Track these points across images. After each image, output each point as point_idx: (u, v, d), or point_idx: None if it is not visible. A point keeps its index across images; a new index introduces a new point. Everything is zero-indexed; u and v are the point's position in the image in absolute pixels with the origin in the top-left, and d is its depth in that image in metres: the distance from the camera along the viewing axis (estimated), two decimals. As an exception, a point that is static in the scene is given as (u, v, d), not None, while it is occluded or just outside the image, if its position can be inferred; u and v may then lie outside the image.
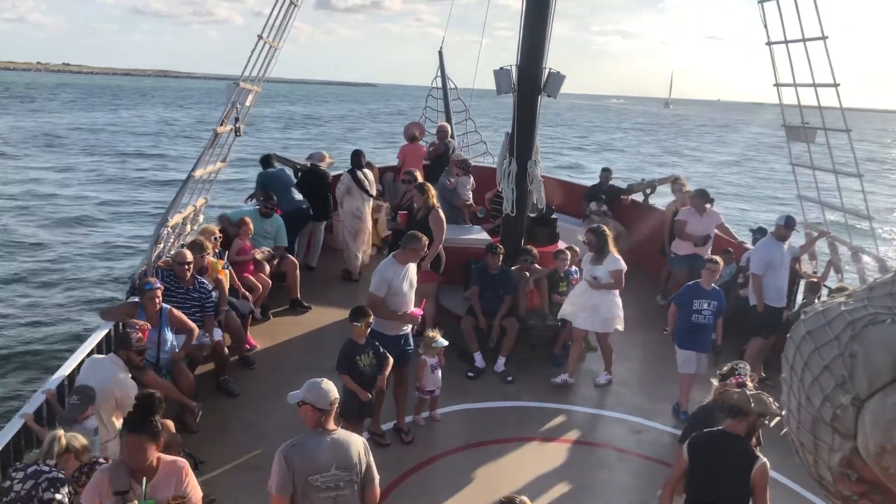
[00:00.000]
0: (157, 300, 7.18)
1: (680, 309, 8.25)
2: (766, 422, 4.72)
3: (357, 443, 4.62)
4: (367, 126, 78.23)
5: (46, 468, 4.74)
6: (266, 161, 11.84)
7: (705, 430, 4.91)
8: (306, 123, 77.59)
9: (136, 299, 7.41)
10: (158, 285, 7.27)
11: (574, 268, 10.00)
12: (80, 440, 4.97)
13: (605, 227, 9.03)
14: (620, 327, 8.79)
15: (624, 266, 8.70)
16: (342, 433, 4.61)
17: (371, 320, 6.67)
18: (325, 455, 4.43)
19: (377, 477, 4.67)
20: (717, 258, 8.58)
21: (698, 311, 8.13)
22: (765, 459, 4.55)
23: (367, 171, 12.00)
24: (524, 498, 4.19)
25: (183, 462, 4.27)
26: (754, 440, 4.79)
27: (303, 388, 4.61)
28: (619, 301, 8.79)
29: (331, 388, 4.56)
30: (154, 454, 4.29)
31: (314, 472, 4.36)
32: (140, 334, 6.27)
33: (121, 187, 33.17)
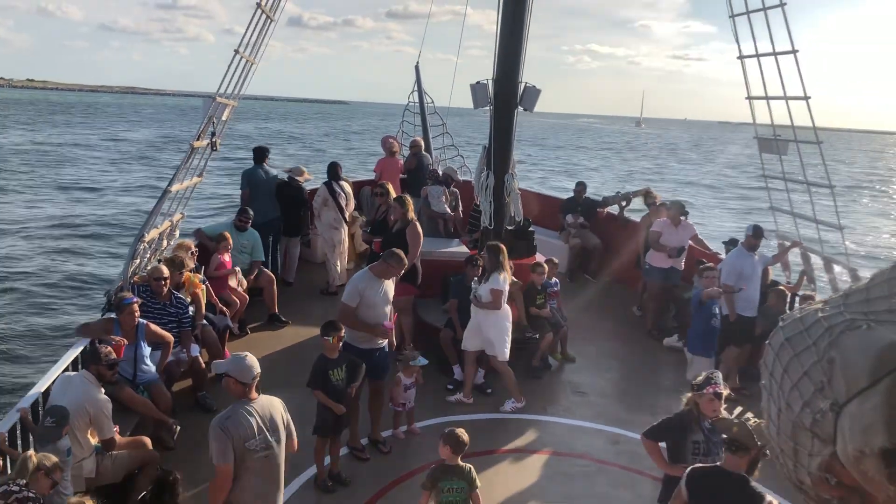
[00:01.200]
0: (135, 315, 7.11)
1: (699, 313, 8.54)
2: (767, 453, 4.66)
3: (277, 405, 5.05)
4: (338, 144, 77.56)
5: (16, 488, 4.66)
6: (259, 155, 11.78)
7: (704, 466, 4.77)
8: (278, 140, 76.69)
9: (113, 315, 7.33)
10: (136, 300, 7.20)
11: (554, 279, 10.06)
12: (51, 459, 4.89)
13: (503, 247, 8.58)
14: (501, 357, 8.26)
15: (503, 287, 8.25)
16: (264, 398, 4.99)
17: (342, 334, 6.65)
18: (256, 421, 4.80)
19: (294, 430, 5.20)
20: (711, 264, 8.90)
21: (716, 315, 8.53)
22: (771, 498, 4.41)
23: (343, 183, 12.00)
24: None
25: None
26: (756, 472, 4.62)
27: (227, 361, 5.02)
28: (505, 326, 8.32)
29: (254, 364, 4.92)
30: None
31: (249, 438, 4.74)
32: (109, 348, 6.18)
33: (93, 202, 32.79)
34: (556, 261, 10.41)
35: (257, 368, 4.94)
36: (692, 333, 8.71)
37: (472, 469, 5.49)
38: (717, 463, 4.64)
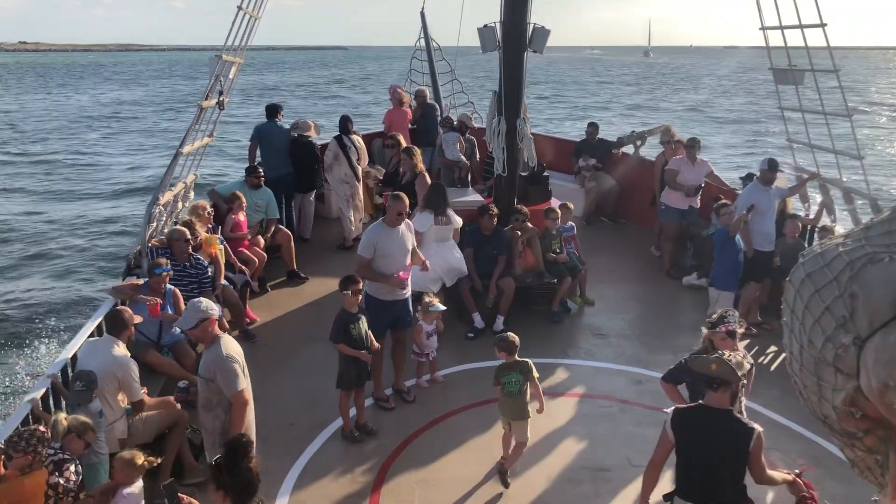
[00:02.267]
0: (164, 284, 7.27)
1: (725, 249, 8.58)
2: (745, 382, 4.66)
3: (233, 339, 5.56)
4: (340, 94, 75.86)
5: (51, 450, 4.78)
6: (271, 112, 11.74)
7: (685, 405, 4.75)
8: (275, 94, 74.86)
9: (137, 279, 7.43)
10: (168, 269, 7.31)
11: (570, 223, 10.04)
12: (81, 421, 4.99)
13: (443, 186, 9.21)
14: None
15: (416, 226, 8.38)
16: (226, 334, 5.52)
17: (360, 287, 6.69)
18: (239, 349, 5.38)
19: None
20: (727, 200, 8.85)
21: (740, 249, 8.61)
22: (759, 429, 4.39)
23: (355, 137, 11.94)
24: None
25: None
26: (737, 404, 4.64)
27: (189, 314, 5.33)
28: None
29: (208, 302, 5.46)
30: None
31: (243, 365, 5.28)
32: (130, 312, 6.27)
33: (103, 169, 32.90)
34: (571, 205, 10.35)
35: (214, 306, 5.45)
36: (721, 270, 8.65)
37: (529, 363, 6.17)
38: (700, 401, 4.60)
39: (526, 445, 6.21)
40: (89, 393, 5.43)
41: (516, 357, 6.22)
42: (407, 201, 7.49)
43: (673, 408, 4.70)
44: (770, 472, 4.49)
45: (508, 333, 6.35)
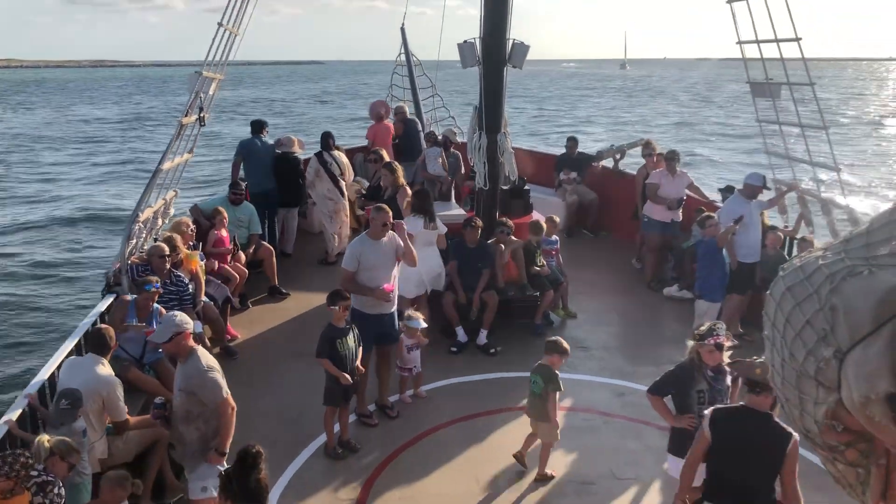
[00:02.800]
0: (152, 301, 7.21)
1: (712, 260, 8.65)
2: (732, 390, 4.69)
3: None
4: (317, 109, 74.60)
5: (35, 472, 4.70)
6: (256, 128, 11.72)
7: (727, 406, 4.80)
8: (256, 109, 73.23)
9: (124, 296, 7.37)
10: (158, 287, 7.24)
11: (554, 237, 10.08)
12: (66, 443, 4.93)
13: (428, 191, 9.32)
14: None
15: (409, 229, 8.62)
16: (200, 348, 5.51)
17: (349, 302, 6.66)
18: (215, 364, 5.38)
19: None
20: (711, 213, 8.89)
21: (725, 260, 8.66)
22: (797, 434, 4.30)
23: (337, 153, 11.92)
24: None
25: None
26: (777, 409, 4.60)
27: (164, 326, 5.39)
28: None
29: (183, 315, 5.51)
30: None
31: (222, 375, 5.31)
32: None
33: (88, 183, 32.63)
34: (557, 219, 10.41)
35: (188, 320, 5.45)
36: (708, 283, 8.70)
37: (552, 372, 6.37)
38: (742, 403, 4.64)
39: (552, 446, 6.44)
40: (74, 411, 5.34)
41: (546, 361, 6.47)
42: (390, 212, 7.48)
43: (713, 407, 4.74)
44: (798, 490, 4.44)
45: (556, 338, 6.60)
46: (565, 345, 6.46)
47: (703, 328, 5.52)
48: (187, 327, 5.31)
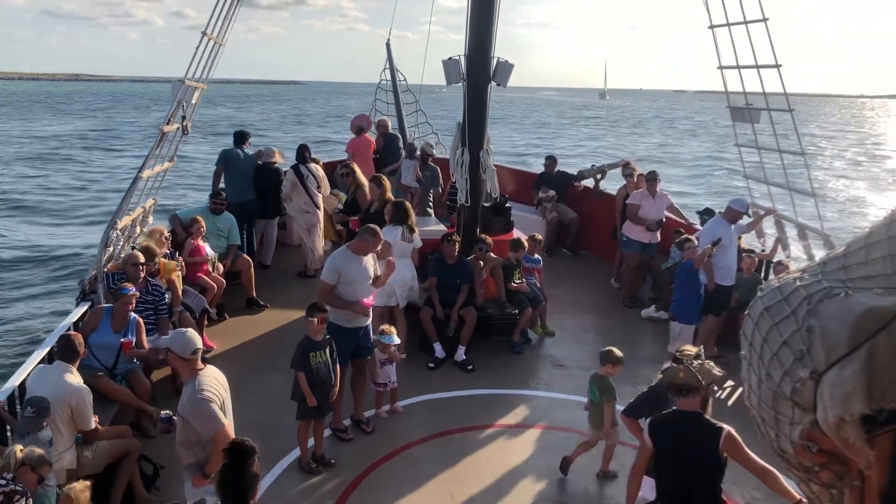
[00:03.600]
0: (130, 306, 7.10)
1: (689, 283, 8.64)
2: (716, 389, 4.82)
3: (218, 371, 5.27)
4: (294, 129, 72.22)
5: (3, 481, 4.62)
6: (239, 138, 11.69)
7: (661, 412, 4.91)
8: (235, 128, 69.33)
9: (97, 305, 7.28)
10: (134, 291, 7.15)
11: (537, 255, 10.11)
12: (36, 453, 4.84)
13: (408, 203, 9.19)
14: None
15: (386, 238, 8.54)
16: (211, 368, 5.20)
17: (326, 315, 6.62)
18: (220, 384, 5.10)
19: None
20: (690, 236, 8.94)
21: (702, 283, 8.67)
22: (728, 427, 4.56)
23: (313, 165, 11.90)
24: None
25: None
26: (708, 408, 4.82)
27: (169, 337, 5.17)
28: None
29: (194, 338, 5.07)
30: None
31: (222, 400, 5.04)
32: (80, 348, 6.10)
33: (62, 189, 32.33)
34: (540, 237, 10.45)
35: (198, 343, 5.09)
36: (684, 304, 8.72)
37: (608, 383, 6.46)
38: (673, 407, 4.80)
39: (615, 445, 6.61)
40: (40, 420, 5.25)
41: (601, 371, 6.59)
42: (381, 237, 7.49)
43: (650, 416, 4.94)
44: (764, 463, 4.54)
45: (611, 348, 6.67)
46: (618, 353, 6.54)
47: (689, 352, 5.52)
48: (179, 350, 4.96)
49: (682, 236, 9.29)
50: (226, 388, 5.18)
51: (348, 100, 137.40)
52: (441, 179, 12.25)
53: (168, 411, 5.36)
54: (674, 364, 5.49)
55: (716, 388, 4.85)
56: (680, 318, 8.72)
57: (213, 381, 5.03)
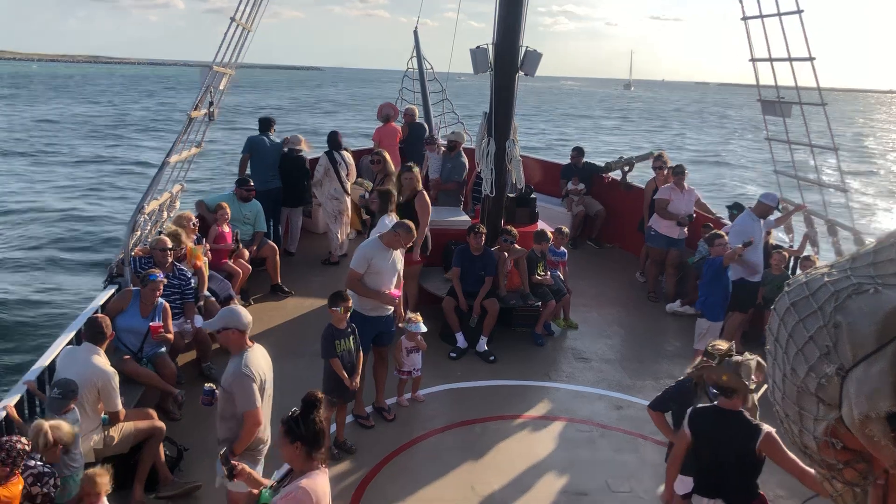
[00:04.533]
0: (157, 292, 7.16)
1: (716, 280, 8.40)
2: (753, 387, 4.81)
3: (264, 350, 5.37)
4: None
5: (32, 462, 4.71)
6: (265, 125, 11.76)
7: (703, 406, 4.98)
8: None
9: (125, 287, 7.37)
10: (162, 277, 7.22)
11: (562, 249, 10.07)
12: (62, 429, 4.92)
13: (393, 191, 9.00)
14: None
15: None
16: (259, 347, 5.30)
17: (350, 304, 6.65)
18: (264, 365, 5.24)
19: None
20: (719, 231, 8.76)
21: (729, 280, 8.46)
22: (768, 428, 4.61)
23: (344, 153, 11.95)
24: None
25: (302, 488, 3.97)
26: (749, 403, 4.90)
27: (220, 317, 5.25)
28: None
29: (245, 312, 5.24)
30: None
31: (263, 381, 5.14)
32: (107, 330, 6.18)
33: (93, 175, 32.74)
34: (566, 230, 10.38)
35: (248, 316, 5.23)
36: (711, 301, 8.47)
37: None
38: (715, 402, 4.91)
39: None
40: (66, 402, 5.34)
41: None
42: (415, 236, 7.55)
43: (692, 407, 4.99)
44: (803, 465, 4.52)
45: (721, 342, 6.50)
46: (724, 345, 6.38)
47: (721, 348, 5.46)
48: (235, 325, 5.13)
49: (713, 231, 9.13)
50: (269, 368, 5.31)
51: (367, 87, 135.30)
52: (465, 171, 12.07)
53: (211, 384, 5.43)
54: (705, 359, 5.47)
55: (754, 386, 4.84)
56: (707, 315, 8.55)
57: (259, 359, 5.19)
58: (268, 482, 4.28)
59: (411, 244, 7.90)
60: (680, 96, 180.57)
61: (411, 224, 7.47)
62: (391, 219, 8.39)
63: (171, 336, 7.29)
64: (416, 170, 9.51)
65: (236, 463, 4.38)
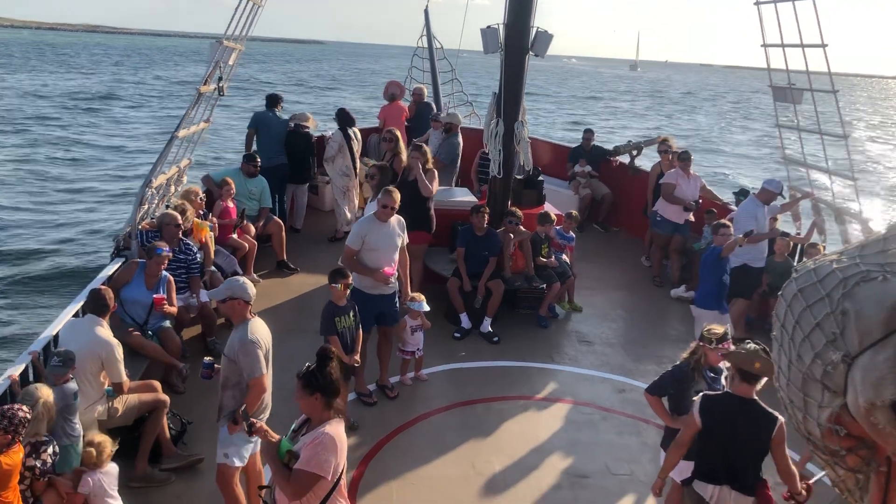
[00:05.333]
0: (162, 265, 7.21)
1: (714, 269, 8.21)
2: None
3: (264, 323, 5.45)
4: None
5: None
6: (272, 101, 11.74)
7: (714, 393, 4.93)
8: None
9: (131, 259, 7.41)
10: (168, 251, 7.25)
11: (571, 233, 10.05)
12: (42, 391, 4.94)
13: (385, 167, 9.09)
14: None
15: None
16: (259, 319, 5.40)
17: (350, 281, 6.67)
18: (266, 335, 5.33)
19: None
20: (724, 220, 8.62)
21: (726, 270, 8.26)
22: (782, 418, 4.56)
23: (356, 130, 11.94)
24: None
25: (327, 434, 4.13)
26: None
27: (224, 287, 5.37)
28: None
29: (249, 284, 5.34)
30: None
31: (268, 349, 5.28)
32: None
33: (101, 149, 32.75)
34: (576, 214, 10.33)
35: (253, 288, 5.34)
36: (704, 289, 8.32)
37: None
38: (727, 389, 4.86)
39: None
40: (65, 369, 5.32)
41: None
42: (398, 197, 7.45)
43: (702, 393, 4.91)
44: (792, 467, 4.68)
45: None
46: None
47: (716, 330, 5.50)
48: (241, 295, 5.23)
49: (719, 220, 9.00)
50: (270, 340, 5.38)
51: (372, 63, 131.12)
52: (454, 153, 11.58)
53: (211, 358, 5.49)
54: (702, 344, 5.49)
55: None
56: (698, 303, 8.38)
57: (263, 330, 5.29)
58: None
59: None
60: (695, 79, 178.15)
61: (394, 188, 7.49)
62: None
63: (174, 309, 7.32)
64: (427, 149, 9.43)
65: (254, 421, 4.45)
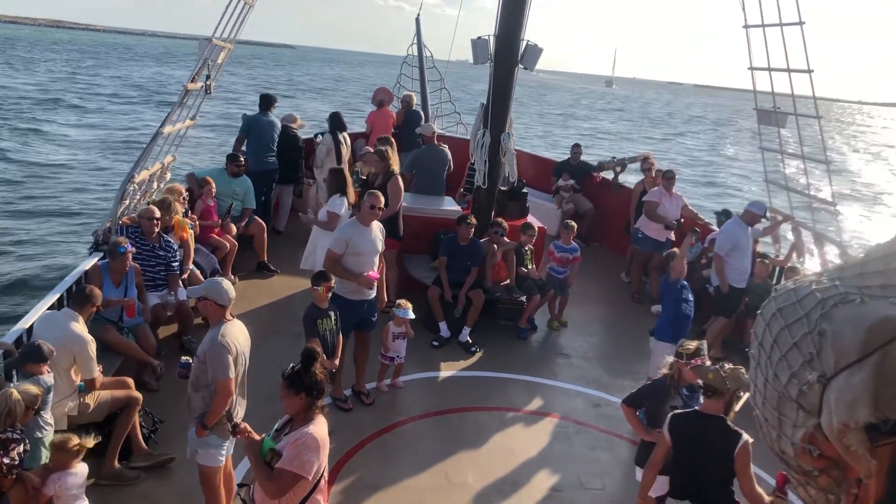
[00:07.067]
0: (126, 262, 7.10)
1: (669, 296, 7.59)
2: (741, 395, 4.83)
3: (243, 326, 5.36)
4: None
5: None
6: (265, 103, 11.65)
7: (682, 411, 4.97)
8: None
9: (99, 259, 7.31)
10: (130, 248, 7.15)
11: (574, 244, 10.02)
12: (31, 392, 4.85)
13: (347, 172, 9.23)
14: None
15: (338, 210, 8.72)
16: (238, 322, 5.29)
17: (332, 284, 6.65)
18: (241, 339, 5.21)
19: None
20: (675, 250, 8.04)
21: (686, 300, 7.52)
22: (747, 437, 4.61)
23: (345, 134, 11.91)
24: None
25: (310, 434, 4.18)
26: (731, 414, 4.86)
27: (203, 286, 5.27)
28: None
29: (229, 287, 5.19)
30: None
31: (239, 353, 5.13)
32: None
33: (83, 144, 32.46)
34: (574, 224, 10.07)
35: (232, 292, 5.21)
36: (663, 320, 7.65)
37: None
38: (696, 407, 4.91)
39: None
40: (34, 362, 5.23)
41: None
42: (382, 198, 7.45)
43: (671, 412, 4.97)
44: (758, 489, 4.64)
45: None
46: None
47: (690, 346, 5.54)
48: (216, 297, 5.09)
49: (669, 251, 8.53)
50: (247, 343, 5.29)
51: (344, 70, 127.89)
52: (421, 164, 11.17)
53: (188, 357, 5.43)
54: (678, 360, 5.52)
55: (741, 394, 4.85)
56: (655, 334, 7.62)
57: (237, 333, 5.19)
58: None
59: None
60: (675, 98, 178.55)
61: (376, 191, 7.51)
62: (342, 200, 8.64)
63: (144, 309, 7.29)
64: (392, 152, 9.33)
65: (238, 422, 4.46)
